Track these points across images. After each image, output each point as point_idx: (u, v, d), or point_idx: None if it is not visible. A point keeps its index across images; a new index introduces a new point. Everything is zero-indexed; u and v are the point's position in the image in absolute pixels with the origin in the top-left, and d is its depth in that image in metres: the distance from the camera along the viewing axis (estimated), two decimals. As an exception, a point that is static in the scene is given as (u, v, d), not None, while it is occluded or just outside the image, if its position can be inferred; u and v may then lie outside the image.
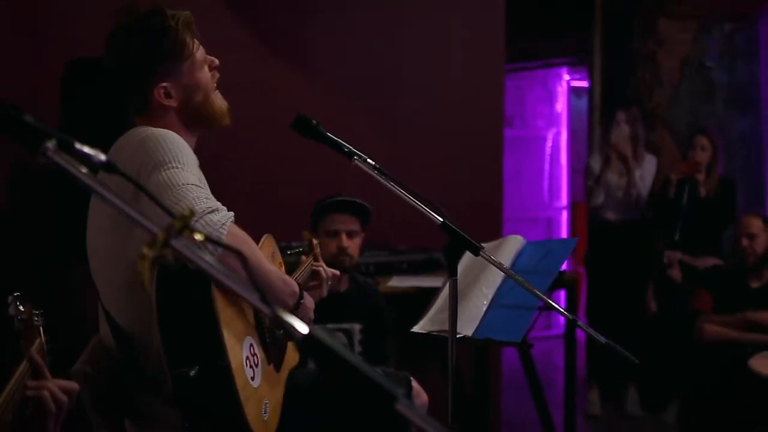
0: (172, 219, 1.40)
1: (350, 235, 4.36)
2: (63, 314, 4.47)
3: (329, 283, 3.20)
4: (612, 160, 6.92)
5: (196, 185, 2.45)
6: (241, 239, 2.46)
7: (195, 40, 2.82)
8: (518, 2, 6.54)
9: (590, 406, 6.95)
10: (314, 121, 2.88)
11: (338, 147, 2.85)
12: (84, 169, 1.43)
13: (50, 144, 1.43)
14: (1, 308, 2.26)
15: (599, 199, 6.96)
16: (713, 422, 5.40)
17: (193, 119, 2.83)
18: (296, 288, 2.74)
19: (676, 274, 6.53)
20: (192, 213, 1.41)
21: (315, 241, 3.29)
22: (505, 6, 6.12)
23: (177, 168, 2.47)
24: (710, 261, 6.47)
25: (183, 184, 2.42)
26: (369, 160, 2.81)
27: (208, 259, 1.40)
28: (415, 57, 5.85)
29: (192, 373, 2.38)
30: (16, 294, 2.23)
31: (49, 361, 2.16)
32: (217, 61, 2.89)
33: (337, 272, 3.26)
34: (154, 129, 2.62)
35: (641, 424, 6.83)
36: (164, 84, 2.76)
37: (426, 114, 5.85)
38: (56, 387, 2.08)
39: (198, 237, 1.43)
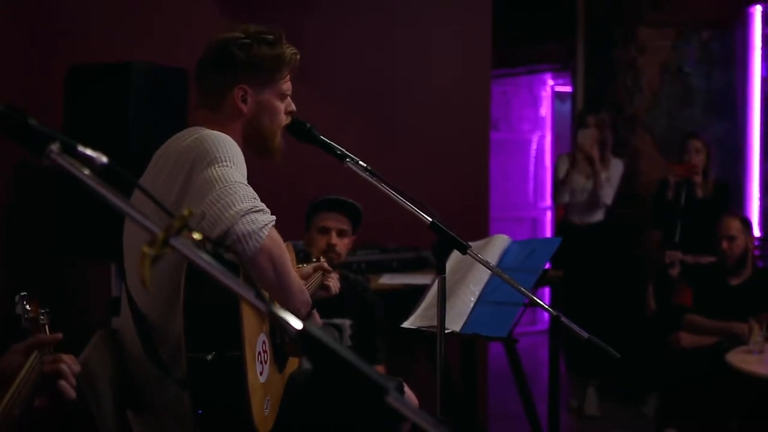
0: (171, 219, 1.40)
1: (340, 233, 4.37)
2: (65, 310, 4.47)
3: (334, 293, 3.26)
4: (578, 161, 6.92)
5: (246, 185, 2.50)
6: (277, 243, 2.51)
7: (290, 76, 2.89)
8: (504, 11, 6.56)
9: (573, 401, 6.93)
10: (308, 125, 2.90)
11: (331, 149, 2.86)
12: (86, 171, 1.43)
13: (54, 146, 1.43)
14: (8, 307, 2.27)
15: (564, 198, 6.96)
16: (691, 415, 5.41)
17: (253, 138, 2.85)
18: (310, 300, 2.78)
19: (676, 273, 6.52)
20: (191, 213, 1.41)
21: (323, 259, 3.33)
22: (492, 14, 6.13)
23: (231, 167, 2.51)
24: (708, 260, 6.45)
25: (234, 182, 2.46)
26: (361, 162, 2.81)
27: (205, 257, 1.40)
28: (406, 64, 5.86)
29: (209, 357, 2.41)
30: (22, 293, 2.24)
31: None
32: (294, 108, 2.93)
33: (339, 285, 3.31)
34: (212, 130, 2.66)
35: (622, 416, 6.84)
36: (245, 86, 2.80)
37: (415, 118, 5.86)
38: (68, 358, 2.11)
39: (196, 236, 1.43)
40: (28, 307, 2.22)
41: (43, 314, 2.22)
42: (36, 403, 2.04)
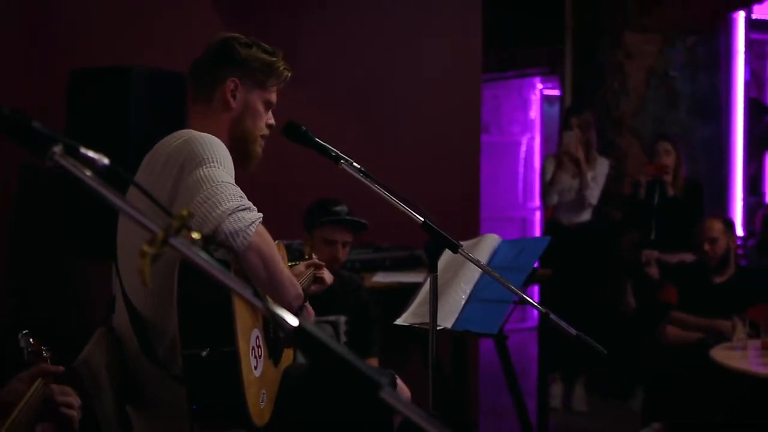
0: (171, 218, 1.40)
1: (344, 245, 4.39)
2: (67, 309, 4.47)
3: (329, 283, 3.28)
4: (564, 162, 6.92)
5: (233, 184, 2.52)
6: (265, 240, 2.53)
7: (278, 90, 2.95)
8: (494, 16, 6.56)
9: (551, 399, 6.87)
10: (303, 128, 2.90)
11: (325, 151, 2.86)
12: (88, 172, 1.43)
13: (57, 149, 1.44)
14: (10, 307, 2.31)
15: (553, 200, 6.96)
16: (677, 409, 5.42)
17: (236, 138, 2.87)
18: (302, 293, 2.78)
19: (653, 271, 6.54)
20: (189, 214, 1.41)
21: (315, 255, 3.34)
22: (482, 20, 6.14)
23: (218, 168, 2.54)
24: (685, 257, 6.46)
25: (222, 182, 2.49)
26: (355, 164, 2.82)
27: (203, 256, 1.41)
28: (399, 68, 5.86)
29: (203, 354, 2.41)
30: (25, 332, 2.28)
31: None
32: (273, 122, 2.97)
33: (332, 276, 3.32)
34: (199, 132, 2.68)
35: (609, 412, 6.84)
36: (236, 80, 2.85)
37: (408, 121, 5.86)
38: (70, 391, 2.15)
39: (194, 236, 1.43)
40: (31, 341, 2.26)
41: (45, 350, 2.26)
42: (38, 430, 2.08)
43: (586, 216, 6.99)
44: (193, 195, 2.46)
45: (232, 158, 2.75)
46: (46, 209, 4.28)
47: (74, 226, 4.05)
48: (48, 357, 2.27)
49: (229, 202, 2.43)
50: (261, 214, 2.50)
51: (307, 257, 3.31)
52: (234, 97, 2.85)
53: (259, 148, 2.93)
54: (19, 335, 2.28)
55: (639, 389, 6.55)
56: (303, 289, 2.91)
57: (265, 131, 2.94)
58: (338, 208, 4.42)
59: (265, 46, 2.91)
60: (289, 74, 2.95)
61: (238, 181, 2.58)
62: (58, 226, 4.15)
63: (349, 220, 4.40)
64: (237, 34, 2.91)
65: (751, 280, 5.76)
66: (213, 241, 2.36)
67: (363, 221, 4.41)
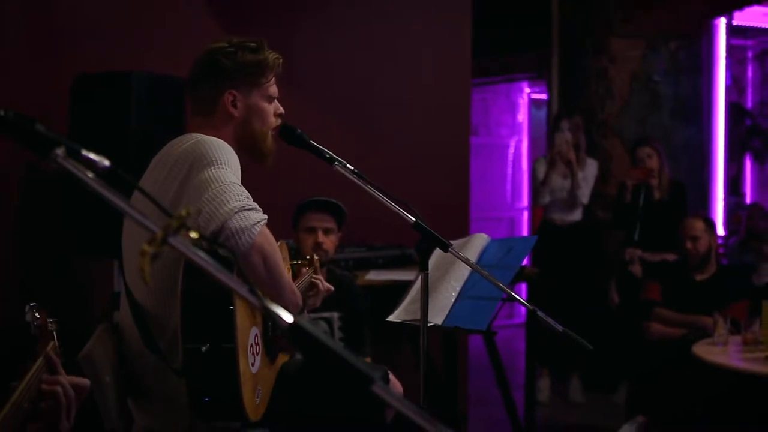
0: (170, 218, 1.40)
1: (326, 232, 4.37)
2: (71, 305, 4.46)
3: (325, 294, 3.22)
4: (557, 163, 6.93)
5: (240, 185, 2.51)
6: (269, 241, 2.51)
7: (275, 79, 2.90)
8: (483, 22, 6.57)
9: (538, 393, 6.87)
10: (299, 130, 2.89)
11: (320, 153, 2.86)
12: (90, 173, 1.43)
13: (59, 151, 1.44)
14: (18, 312, 2.29)
15: (545, 199, 6.97)
16: (659, 403, 5.43)
17: (244, 141, 2.84)
18: (301, 302, 2.79)
19: (636, 269, 6.55)
20: (188, 213, 1.41)
21: (315, 257, 3.30)
22: (472, 26, 6.14)
23: (226, 169, 2.53)
24: (667, 257, 6.48)
25: (229, 182, 2.48)
26: (348, 165, 2.82)
27: (201, 254, 1.41)
28: (391, 72, 5.86)
29: (203, 348, 2.42)
30: (32, 303, 2.25)
31: (62, 363, 2.18)
32: (282, 110, 2.93)
33: (332, 287, 3.27)
34: (208, 136, 2.67)
35: (593, 405, 6.85)
36: (234, 92, 2.81)
37: (400, 124, 5.86)
38: (68, 383, 2.09)
39: (193, 235, 1.43)
40: (37, 314, 2.23)
41: (51, 322, 2.24)
42: (29, 429, 2.04)
43: (577, 215, 7.01)
44: (200, 193, 2.46)
45: (245, 158, 2.75)
46: (52, 208, 4.28)
47: (78, 225, 4.05)
48: (54, 330, 2.24)
49: (236, 201, 2.43)
50: (266, 216, 2.49)
51: (307, 257, 3.30)
52: (235, 106, 2.82)
53: (271, 140, 2.90)
54: (26, 308, 2.26)
55: (623, 383, 6.56)
56: (301, 290, 2.91)
57: (275, 123, 2.91)
58: (314, 198, 4.42)
59: (249, 44, 2.85)
60: (280, 60, 2.90)
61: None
62: (65, 225, 4.15)
63: (322, 201, 4.39)
64: (220, 44, 2.85)
65: (731, 278, 5.78)
66: (217, 239, 2.36)
67: (337, 202, 4.39)
